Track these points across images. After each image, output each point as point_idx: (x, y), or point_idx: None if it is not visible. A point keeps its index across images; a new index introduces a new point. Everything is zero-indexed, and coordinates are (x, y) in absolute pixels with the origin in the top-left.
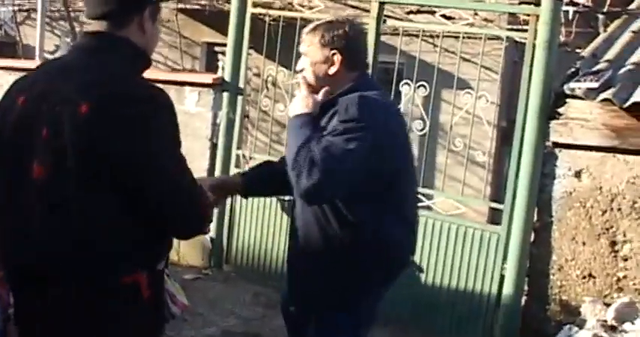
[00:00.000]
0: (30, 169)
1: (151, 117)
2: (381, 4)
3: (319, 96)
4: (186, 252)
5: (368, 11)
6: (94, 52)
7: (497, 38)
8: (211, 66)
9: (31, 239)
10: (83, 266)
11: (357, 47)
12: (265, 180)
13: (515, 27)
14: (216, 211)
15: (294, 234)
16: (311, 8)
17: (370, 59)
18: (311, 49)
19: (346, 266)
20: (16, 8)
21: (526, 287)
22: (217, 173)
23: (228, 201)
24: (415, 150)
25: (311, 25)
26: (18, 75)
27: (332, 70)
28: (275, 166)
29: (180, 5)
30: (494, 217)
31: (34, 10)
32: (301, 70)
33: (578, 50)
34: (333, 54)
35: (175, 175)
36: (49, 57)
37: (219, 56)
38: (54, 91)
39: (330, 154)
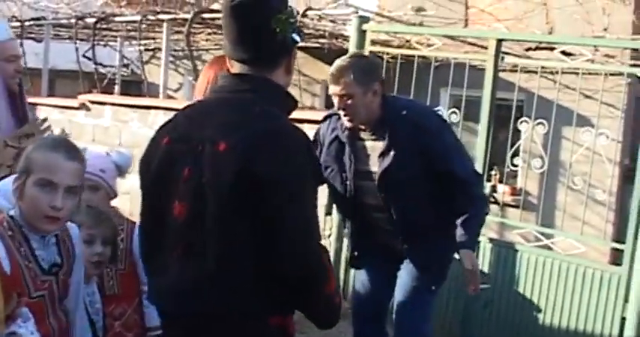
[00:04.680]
0: (171, 208)
1: (291, 152)
2: (499, 41)
3: None
4: None
5: (486, 48)
6: (236, 93)
7: (620, 74)
8: (330, 103)
9: (169, 286)
10: (221, 310)
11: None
12: None
13: (638, 62)
14: (333, 247)
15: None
16: (429, 46)
17: (488, 95)
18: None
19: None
20: (142, 48)
21: None
22: (335, 210)
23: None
24: (535, 188)
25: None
26: (142, 112)
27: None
28: None
29: (301, 44)
30: (616, 258)
31: (159, 49)
32: None
33: None
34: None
35: (304, 216)
36: (173, 94)
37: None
38: (195, 132)
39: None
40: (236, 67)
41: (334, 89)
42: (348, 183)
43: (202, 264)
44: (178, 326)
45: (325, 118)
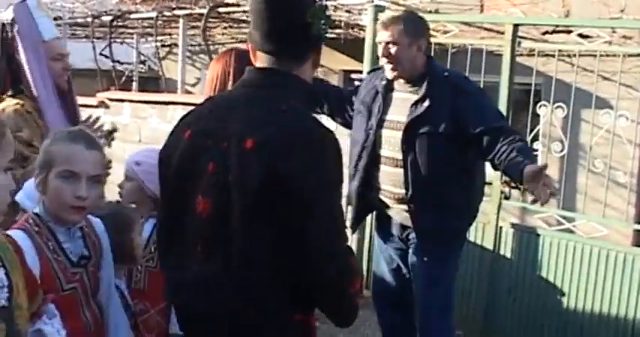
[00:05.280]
0: (194, 204)
1: (318, 154)
2: (516, 25)
3: None
4: None
5: (502, 33)
6: (263, 88)
7: (638, 55)
8: None
9: (189, 281)
10: (247, 305)
11: (427, 31)
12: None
13: None
14: (355, 236)
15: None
16: (445, 33)
17: (506, 81)
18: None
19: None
20: (158, 44)
21: None
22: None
23: (368, 225)
24: (555, 172)
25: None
26: (161, 108)
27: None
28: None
29: None
30: (638, 240)
31: (176, 45)
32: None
33: None
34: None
35: (332, 215)
36: (190, 89)
37: (356, 83)
38: (219, 126)
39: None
40: (262, 59)
41: (382, 36)
42: (370, 131)
43: (225, 261)
44: (197, 322)
45: (370, 71)
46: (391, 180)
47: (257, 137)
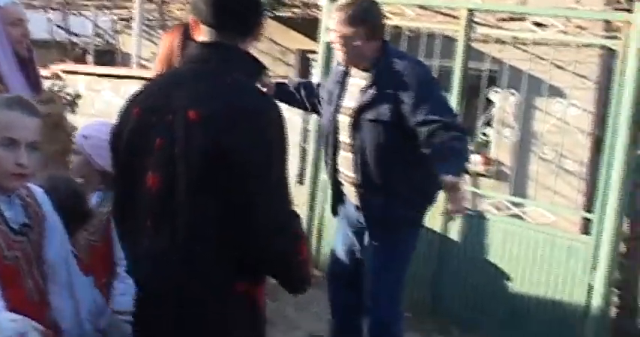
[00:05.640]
0: (145, 179)
1: (262, 128)
2: (471, 11)
3: None
4: None
5: (459, 18)
6: (208, 62)
7: (592, 46)
8: (305, 73)
9: (141, 256)
10: (192, 278)
11: (377, 21)
12: (291, 93)
13: (609, 34)
14: (306, 215)
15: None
16: (400, 16)
17: (460, 65)
18: (339, 27)
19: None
20: (115, 17)
21: (617, 299)
22: (307, 179)
23: (319, 207)
24: (508, 159)
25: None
26: (116, 82)
27: (358, 43)
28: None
29: (274, 13)
30: (587, 227)
31: (133, 19)
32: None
33: None
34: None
35: (277, 190)
36: (147, 64)
37: (313, 63)
38: (166, 103)
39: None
40: (205, 33)
41: (331, 23)
42: (330, 117)
43: (171, 235)
44: (148, 297)
45: None
46: (346, 165)
47: (201, 110)
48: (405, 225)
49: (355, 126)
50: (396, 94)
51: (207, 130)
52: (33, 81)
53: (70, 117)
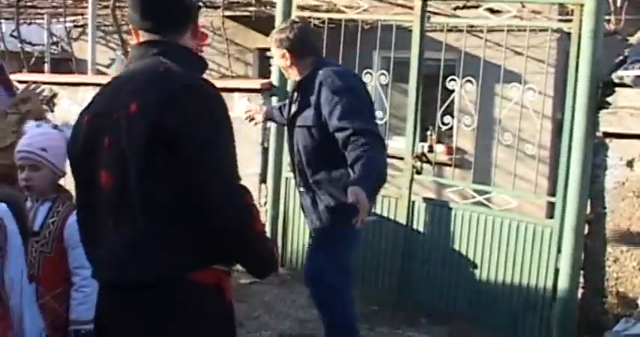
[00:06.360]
0: (99, 179)
1: (199, 106)
2: (424, 1)
3: None
4: None
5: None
6: (144, 58)
7: (547, 30)
8: (264, 71)
9: (105, 252)
10: (151, 268)
11: (301, 42)
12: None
13: (564, 18)
14: (270, 214)
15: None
16: (356, 9)
17: (416, 56)
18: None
19: None
20: (71, 24)
21: (582, 280)
22: (269, 177)
23: (282, 203)
24: (468, 146)
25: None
26: (72, 89)
27: (288, 63)
28: None
29: (229, 12)
30: (552, 211)
31: (87, 25)
32: None
33: (628, 38)
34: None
35: (221, 165)
36: (105, 70)
37: (272, 61)
38: (110, 104)
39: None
40: (142, 37)
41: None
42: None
43: (131, 227)
44: (116, 295)
45: None
46: (296, 170)
47: (139, 100)
48: (331, 220)
49: (289, 131)
50: (317, 102)
51: (146, 116)
52: (7, 86)
53: (50, 116)
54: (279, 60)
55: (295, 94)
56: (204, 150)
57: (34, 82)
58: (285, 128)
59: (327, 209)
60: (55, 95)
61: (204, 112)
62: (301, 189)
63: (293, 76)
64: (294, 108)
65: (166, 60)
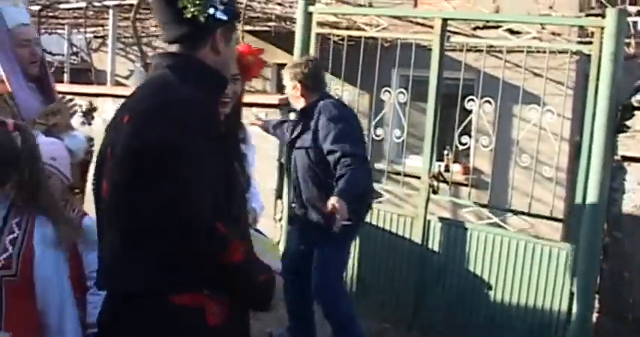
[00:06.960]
0: (102, 190)
1: (183, 123)
2: (445, 20)
3: None
4: None
5: (433, 28)
6: (158, 69)
7: (566, 52)
8: (282, 87)
9: (105, 267)
10: (136, 281)
11: (314, 77)
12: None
13: (584, 40)
14: (285, 230)
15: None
16: (376, 27)
17: (435, 74)
18: (286, 80)
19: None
20: (91, 35)
21: (598, 304)
22: (285, 193)
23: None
24: (485, 166)
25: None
26: (91, 100)
27: (298, 93)
28: None
29: (248, 27)
30: (568, 233)
31: (108, 36)
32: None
33: None
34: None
35: (194, 182)
36: (124, 82)
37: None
38: (117, 115)
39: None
40: (168, 48)
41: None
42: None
43: (115, 241)
44: (111, 302)
45: None
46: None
47: (130, 113)
48: (324, 235)
49: (289, 153)
50: (315, 127)
51: (132, 128)
52: (48, 96)
53: (86, 129)
54: (290, 90)
55: (298, 121)
56: (182, 167)
57: (60, 93)
58: (285, 149)
59: (317, 224)
60: (94, 109)
61: (187, 128)
62: (293, 204)
63: (299, 104)
64: (295, 132)
65: (172, 73)
